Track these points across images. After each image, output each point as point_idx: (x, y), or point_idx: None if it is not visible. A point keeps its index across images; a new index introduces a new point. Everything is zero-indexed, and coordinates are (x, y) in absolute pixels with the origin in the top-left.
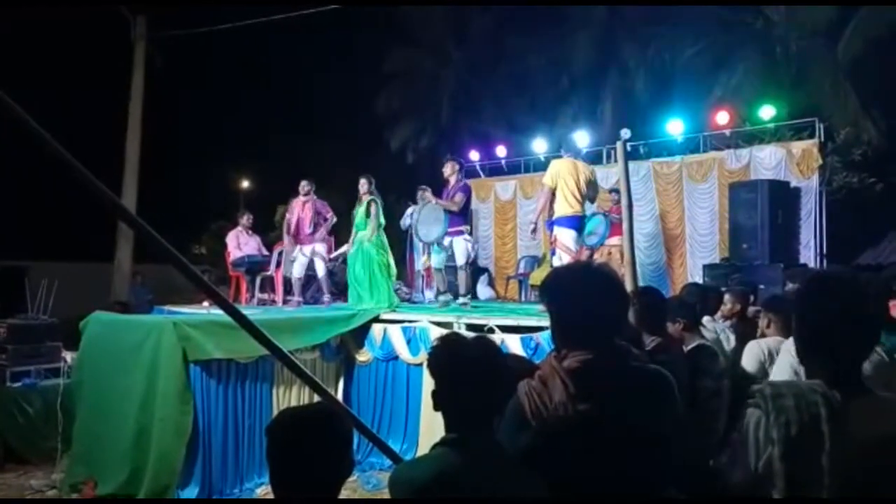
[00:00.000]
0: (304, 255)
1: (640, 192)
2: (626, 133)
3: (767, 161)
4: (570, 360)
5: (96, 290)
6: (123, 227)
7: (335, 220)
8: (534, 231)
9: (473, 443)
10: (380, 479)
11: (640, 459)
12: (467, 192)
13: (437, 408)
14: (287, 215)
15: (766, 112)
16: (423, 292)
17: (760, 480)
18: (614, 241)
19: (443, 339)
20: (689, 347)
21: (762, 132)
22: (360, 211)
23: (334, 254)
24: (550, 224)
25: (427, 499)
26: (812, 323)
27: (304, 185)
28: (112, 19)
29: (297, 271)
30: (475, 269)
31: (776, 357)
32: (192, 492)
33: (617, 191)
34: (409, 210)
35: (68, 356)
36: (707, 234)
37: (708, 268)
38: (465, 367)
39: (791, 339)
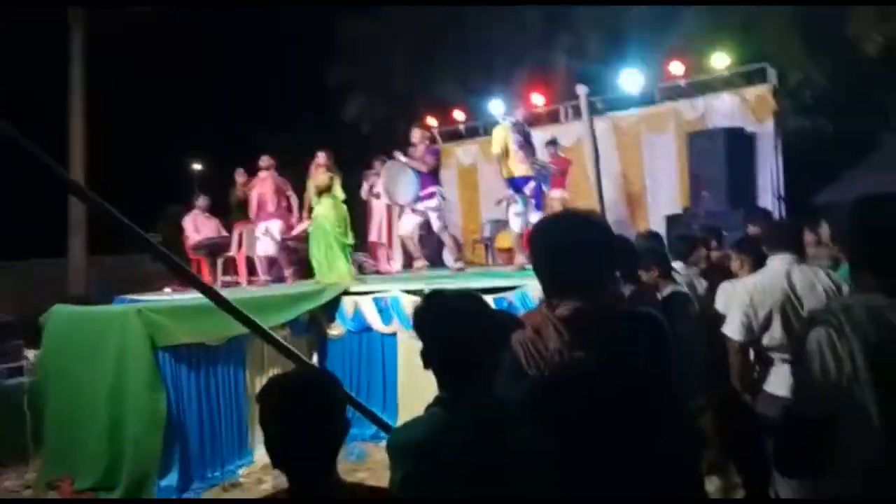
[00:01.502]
0: (270, 232)
1: (600, 149)
2: (583, 88)
3: (723, 109)
4: (562, 308)
5: (51, 286)
6: (74, 219)
7: (294, 197)
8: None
9: (467, 400)
10: (363, 449)
11: (638, 402)
12: (436, 155)
13: (427, 366)
14: (250, 192)
15: (719, 60)
16: (388, 263)
17: (840, 397)
18: (555, 193)
19: (427, 297)
20: (664, 294)
21: (716, 80)
22: (315, 185)
23: (296, 230)
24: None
25: (424, 462)
26: (866, 239)
27: (263, 160)
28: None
29: (262, 250)
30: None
31: None
32: (172, 478)
33: (553, 143)
34: (369, 178)
35: (30, 354)
36: (668, 186)
37: (670, 219)
38: (451, 322)
39: (747, 279)
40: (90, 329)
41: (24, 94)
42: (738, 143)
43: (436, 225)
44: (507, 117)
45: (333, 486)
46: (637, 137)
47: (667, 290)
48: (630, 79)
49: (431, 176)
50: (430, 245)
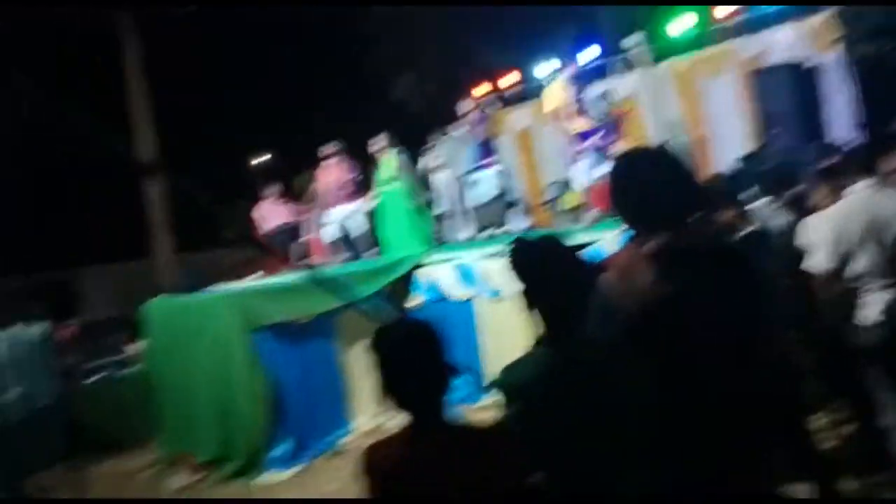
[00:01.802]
0: (336, 218)
1: (656, 98)
2: (636, 36)
3: (783, 42)
4: (649, 244)
5: (142, 285)
6: (157, 220)
7: (361, 178)
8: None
9: (568, 338)
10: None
11: (728, 335)
12: (485, 122)
13: (529, 308)
14: (314, 183)
15: None
16: (457, 234)
17: None
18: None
19: (519, 240)
20: (742, 234)
21: (773, 14)
22: (383, 167)
23: (363, 210)
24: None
25: (532, 399)
26: None
27: (329, 148)
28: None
29: (330, 235)
30: (507, 203)
31: None
32: (280, 449)
33: (605, 96)
34: (427, 154)
35: (132, 347)
36: (732, 129)
37: (745, 159)
38: (552, 261)
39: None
40: (189, 317)
41: (84, 95)
42: (804, 76)
43: (497, 189)
44: (560, 73)
45: (446, 430)
46: (694, 82)
47: (744, 230)
48: (681, 24)
49: (486, 145)
50: (497, 212)
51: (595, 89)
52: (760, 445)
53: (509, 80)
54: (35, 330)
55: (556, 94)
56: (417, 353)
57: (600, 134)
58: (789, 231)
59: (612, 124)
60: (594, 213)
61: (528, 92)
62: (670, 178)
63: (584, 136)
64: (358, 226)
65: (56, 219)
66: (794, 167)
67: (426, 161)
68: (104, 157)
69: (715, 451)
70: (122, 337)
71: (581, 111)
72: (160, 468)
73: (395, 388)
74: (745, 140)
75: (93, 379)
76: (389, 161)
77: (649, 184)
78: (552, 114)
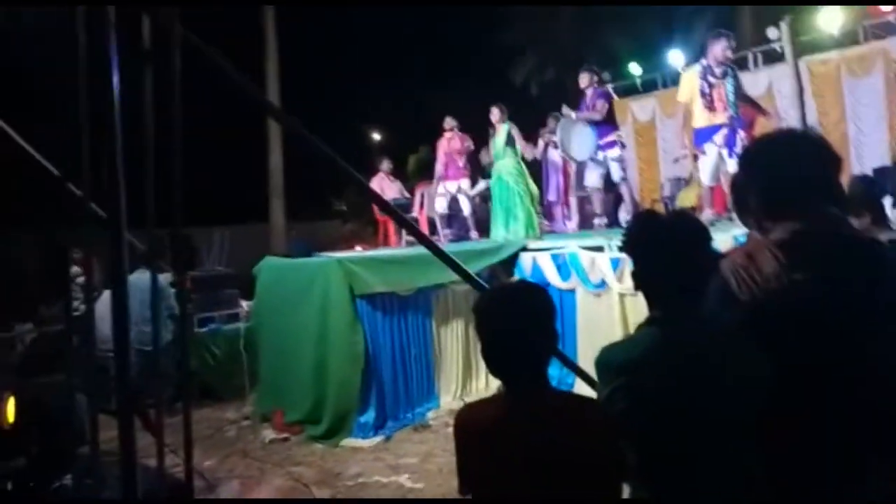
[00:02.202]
0: (449, 191)
1: (792, 97)
2: (783, 26)
3: None
4: (779, 231)
5: (257, 247)
6: (274, 186)
7: (473, 151)
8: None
9: (682, 319)
10: None
11: (860, 328)
12: (607, 97)
13: (637, 287)
14: (436, 155)
15: None
16: (564, 223)
17: None
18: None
19: (637, 216)
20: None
21: None
22: (497, 140)
23: (473, 192)
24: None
25: (637, 377)
26: None
27: (448, 121)
28: None
29: (441, 207)
30: (616, 195)
31: None
32: (370, 415)
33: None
34: (544, 137)
35: (244, 304)
36: (874, 135)
37: (878, 172)
38: (666, 238)
39: None
40: (297, 278)
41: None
42: None
43: (616, 174)
44: (695, 63)
45: (547, 394)
46: (837, 82)
47: (881, 237)
48: (830, 18)
49: (608, 123)
50: (606, 203)
51: (728, 84)
52: (878, 457)
53: (635, 69)
54: (160, 277)
55: (689, 83)
56: (524, 315)
57: (725, 132)
58: None
59: (742, 122)
60: (707, 214)
61: (654, 82)
62: (805, 164)
63: (710, 131)
64: (464, 205)
65: (189, 181)
66: None
67: (542, 143)
68: (237, 124)
69: (823, 456)
70: (237, 293)
71: (710, 105)
72: (253, 421)
73: (497, 350)
74: (886, 147)
75: (204, 329)
76: (502, 134)
77: (779, 168)
78: (683, 105)
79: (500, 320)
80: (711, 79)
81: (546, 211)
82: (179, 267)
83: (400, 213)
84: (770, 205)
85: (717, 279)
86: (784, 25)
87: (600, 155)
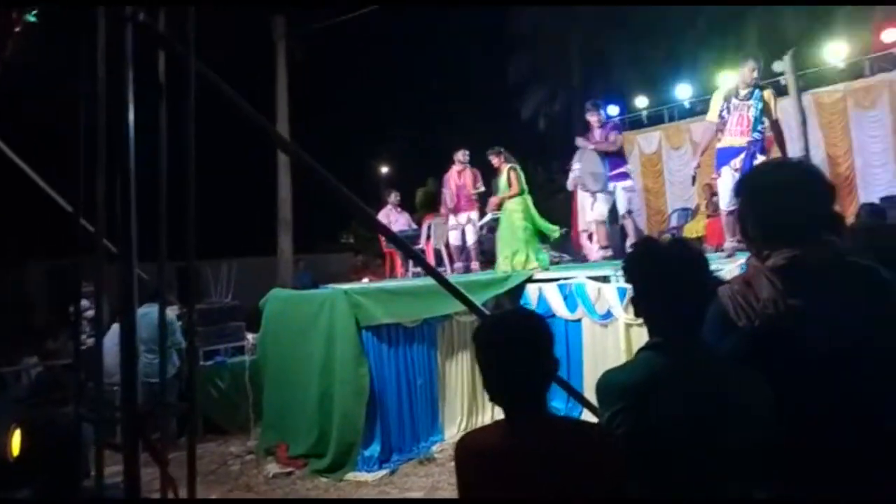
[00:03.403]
0: (460, 223)
1: (799, 128)
2: (789, 59)
3: None
4: (776, 258)
5: (263, 280)
6: (282, 218)
7: (483, 189)
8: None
9: (681, 344)
10: None
11: (859, 354)
12: (619, 129)
13: (638, 314)
14: (443, 189)
15: None
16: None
17: None
18: None
19: (638, 243)
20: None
21: None
22: (501, 182)
23: (480, 222)
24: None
25: (638, 401)
26: None
27: (463, 154)
28: (251, 22)
29: (454, 239)
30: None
31: None
32: (374, 449)
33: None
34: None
35: (250, 337)
36: (881, 166)
37: (886, 200)
38: (665, 266)
39: None
40: (303, 310)
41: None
42: None
43: (622, 206)
44: (727, 84)
45: (547, 421)
46: (843, 114)
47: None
48: (835, 51)
49: (618, 155)
50: (613, 234)
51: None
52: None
53: (641, 101)
54: (167, 310)
55: (717, 101)
56: (522, 342)
57: (743, 155)
58: None
59: (761, 146)
60: (730, 243)
61: (660, 116)
62: (800, 190)
63: (730, 153)
64: (469, 235)
65: (199, 214)
66: None
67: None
68: (247, 159)
69: (825, 475)
70: (243, 325)
71: (722, 128)
72: (257, 455)
73: (496, 377)
74: (892, 179)
75: (209, 363)
76: (504, 174)
77: (776, 195)
78: (711, 122)
79: (499, 347)
80: (735, 101)
81: (576, 241)
82: (188, 300)
83: (406, 244)
84: (767, 232)
85: (716, 305)
86: (788, 59)
87: (611, 186)
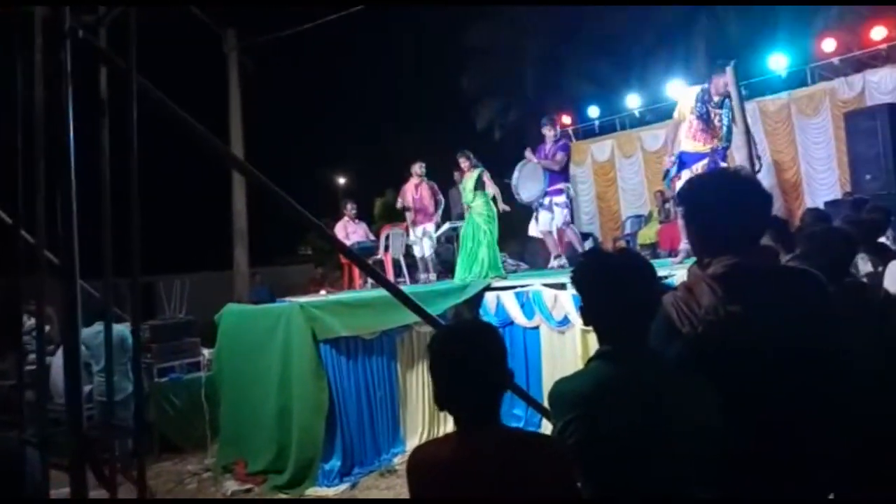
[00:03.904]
0: (418, 237)
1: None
2: (729, 67)
3: (883, 84)
4: (715, 266)
5: (219, 295)
6: (238, 231)
7: (441, 199)
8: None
9: (630, 353)
10: None
11: (798, 357)
12: (567, 150)
13: (587, 323)
14: (399, 199)
15: (877, 33)
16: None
17: None
18: None
19: (586, 253)
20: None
21: (873, 56)
22: (467, 185)
23: (437, 232)
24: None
25: (588, 410)
26: None
27: (419, 167)
28: (202, 35)
29: (418, 251)
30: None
31: None
32: (335, 463)
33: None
34: (514, 174)
35: (206, 352)
36: (825, 171)
37: (830, 205)
38: (612, 276)
39: None
40: (259, 324)
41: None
42: None
43: (558, 220)
44: (700, 85)
45: (499, 432)
46: (787, 121)
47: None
48: (778, 60)
49: (561, 174)
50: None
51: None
52: (825, 474)
53: (593, 111)
54: (118, 328)
55: (686, 101)
56: (476, 352)
57: (707, 161)
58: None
59: (723, 154)
60: (685, 245)
61: (612, 124)
62: (737, 202)
63: (693, 158)
64: (426, 246)
65: (149, 228)
66: (885, 213)
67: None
68: (200, 173)
69: (773, 476)
70: (198, 341)
71: (705, 129)
72: (215, 473)
73: (448, 388)
74: (835, 184)
75: (164, 379)
76: (471, 179)
77: (715, 205)
78: (676, 122)
79: (451, 359)
80: (706, 107)
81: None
82: (135, 315)
83: (359, 257)
84: (706, 242)
85: (661, 313)
86: (728, 69)
87: (546, 200)
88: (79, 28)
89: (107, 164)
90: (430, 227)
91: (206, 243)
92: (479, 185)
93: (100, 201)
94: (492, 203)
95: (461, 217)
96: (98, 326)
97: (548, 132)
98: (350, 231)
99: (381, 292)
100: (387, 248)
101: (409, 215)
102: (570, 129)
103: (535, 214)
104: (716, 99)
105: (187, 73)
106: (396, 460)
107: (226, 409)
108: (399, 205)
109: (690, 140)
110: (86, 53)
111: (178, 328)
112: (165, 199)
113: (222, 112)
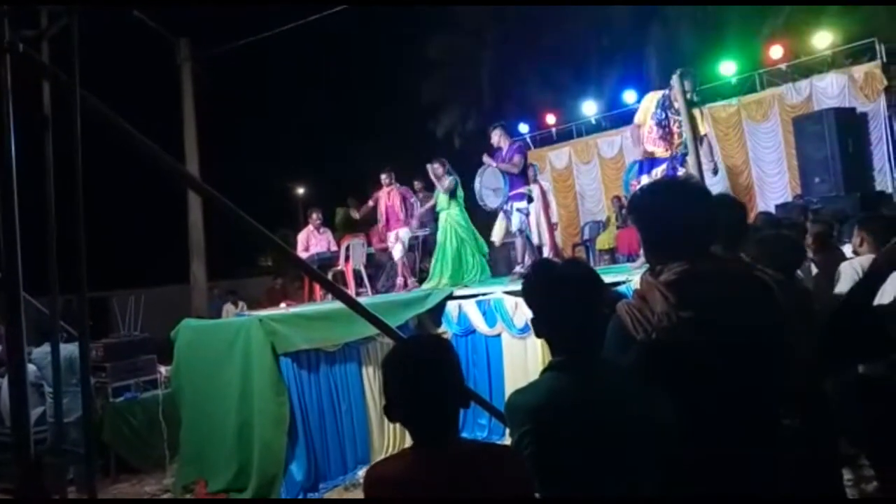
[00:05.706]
0: (391, 242)
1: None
2: (675, 76)
3: (829, 90)
4: (667, 273)
5: (177, 309)
6: (194, 245)
7: (417, 204)
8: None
9: (583, 363)
10: None
11: (749, 360)
12: (523, 151)
13: (539, 335)
14: (369, 202)
15: (822, 39)
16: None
17: None
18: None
19: (534, 264)
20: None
21: (820, 62)
22: (440, 194)
23: (407, 238)
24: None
25: (543, 421)
26: None
27: (386, 175)
28: (155, 46)
29: (396, 256)
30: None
31: None
32: (298, 480)
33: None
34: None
35: (163, 370)
36: (776, 175)
37: (780, 207)
38: (556, 286)
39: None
40: (217, 340)
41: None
42: (849, 124)
43: (515, 225)
44: (663, 89)
45: (456, 446)
46: (738, 127)
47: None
48: (727, 68)
49: (521, 176)
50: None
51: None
52: (776, 474)
53: (551, 119)
54: (70, 347)
55: (646, 108)
56: (433, 368)
57: (665, 166)
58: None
59: (682, 159)
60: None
61: (569, 132)
62: (685, 210)
63: (651, 163)
64: (396, 251)
65: (102, 243)
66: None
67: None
68: (154, 184)
69: (728, 477)
70: (154, 358)
71: (664, 136)
72: (174, 493)
73: (406, 402)
74: (786, 187)
75: (119, 399)
76: (448, 184)
77: (664, 215)
78: (638, 125)
79: (405, 375)
80: (670, 113)
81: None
82: (82, 334)
83: (315, 271)
84: (657, 249)
85: (615, 320)
86: (675, 77)
87: (508, 205)
88: (19, 42)
89: (51, 178)
90: (403, 232)
91: (162, 257)
92: (454, 192)
93: (45, 216)
94: (463, 208)
95: (423, 226)
96: (47, 347)
97: (498, 138)
98: (312, 243)
99: (342, 305)
100: (347, 259)
101: (381, 221)
102: (527, 137)
103: (497, 220)
104: (675, 105)
105: (140, 85)
106: (362, 473)
107: (185, 428)
108: (356, 216)
109: (650, 145)
110: (29, 67)
111: (133, 345)
112: (119, 212)
113: (177, 123)
